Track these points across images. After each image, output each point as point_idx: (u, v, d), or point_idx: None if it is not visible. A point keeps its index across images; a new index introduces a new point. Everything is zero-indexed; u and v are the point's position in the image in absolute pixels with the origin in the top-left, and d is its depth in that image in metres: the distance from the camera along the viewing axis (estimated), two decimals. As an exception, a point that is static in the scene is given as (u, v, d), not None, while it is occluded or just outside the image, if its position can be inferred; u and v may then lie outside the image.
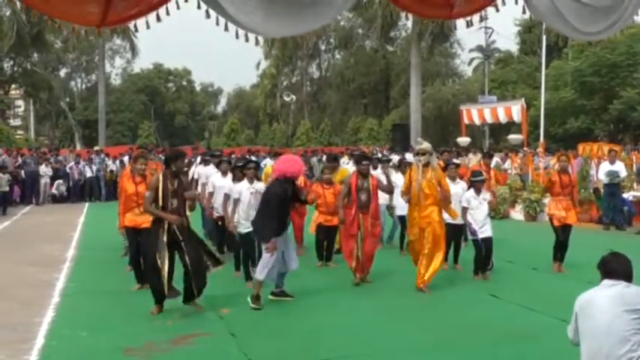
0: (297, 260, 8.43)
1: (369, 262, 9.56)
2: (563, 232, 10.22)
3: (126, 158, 23.29)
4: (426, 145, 9.07)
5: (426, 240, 8.83)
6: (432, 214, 8.88)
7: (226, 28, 6.59)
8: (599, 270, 4.79)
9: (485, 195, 9.85)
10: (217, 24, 6.53)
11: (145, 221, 8.85)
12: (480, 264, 9.70)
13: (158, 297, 7.78)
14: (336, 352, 6.48)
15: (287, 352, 6.52)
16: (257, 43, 7.05)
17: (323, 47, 55.13)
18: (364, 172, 9.45)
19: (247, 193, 9.19)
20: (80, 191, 24.79)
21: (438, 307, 8.23)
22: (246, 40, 6.80)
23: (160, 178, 7.72)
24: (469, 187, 9.92)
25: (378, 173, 10.99)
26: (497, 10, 7.47)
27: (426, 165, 8.93)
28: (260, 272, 8.13)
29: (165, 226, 7.59)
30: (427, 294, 8.69)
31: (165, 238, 7.56)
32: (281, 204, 8.05)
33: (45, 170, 24.08)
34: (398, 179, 11.45)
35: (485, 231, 9.61)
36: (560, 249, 10.32)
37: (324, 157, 28.74)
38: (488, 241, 9.65)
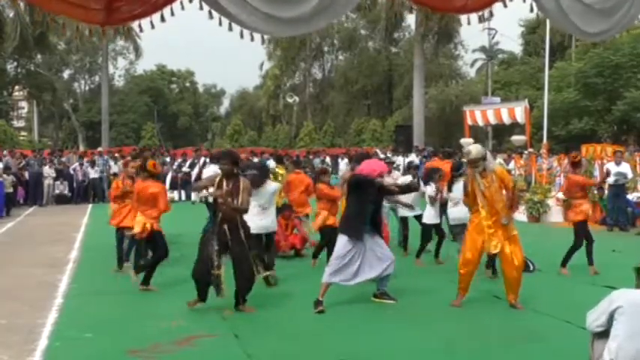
0: (380, 268, 8.23)
1: None
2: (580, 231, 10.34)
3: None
4: (475, 155, 8.05)
5: (509, 263, 8.04)
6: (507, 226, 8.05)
7: (230, 28, 6.58)
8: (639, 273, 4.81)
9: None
10: (220, 24, 6.53)
11: (155, 224, 9.23)
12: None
13: (200, 292, 7.95)
14: (341, 353, 6.47)
15: (291, 354, 6.52)
16: (263, 42, 7.04)
17: (326, 48, 55.20)
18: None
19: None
20: (84, 192, 24.84)
21: (441, 308, 8.21)
22: (252, 39, 6.78)
23: (220, 175, 7.96)
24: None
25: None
26: (506, 6, 7.43)
27: (484, 171, 8.06)
28: (325, 275, 8.12)
29: (216, 227, 7.80)
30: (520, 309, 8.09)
31: (215, 239, 7.75)
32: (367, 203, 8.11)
33: (48, 171, 24.15)
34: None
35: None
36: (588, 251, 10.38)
37: (327, 159, 28.90)
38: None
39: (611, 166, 15.94)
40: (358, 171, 8.41)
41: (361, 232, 8.09)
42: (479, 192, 8.07)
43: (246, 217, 8.85)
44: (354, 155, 12.54)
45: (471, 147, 8.24)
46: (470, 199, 8.30)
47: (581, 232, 10.28)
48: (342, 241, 8.12)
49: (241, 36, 6.70)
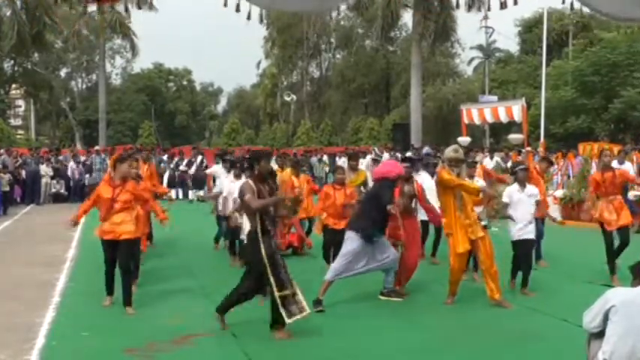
0: (380, 261, 8.26)
1: (410, 274, 8.94)
2: (621, 235, 9.63)
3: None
4: (461, 155, 8.14)
5: (481, 259, 8.11)
6: (476, 225, 8.09)
7: (225, 4, 6.44)
8: (634, 273, 4.82)
9: (532, 190, 8.87)
10: (226, 5, 6.37)
11: (125, 232, 7.92)
12: (515, 269, 8.93)
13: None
14: (338, 353, 6.47)
15: (289, 353, 6.52)
16: (261, 21, 6.91)
17: (323, 47, 55.10)
18: (406, 174, 8.93)
19: None
20: (81, 191, 24.80)
21: (440, 308, 8.21)
22: (248, 17, 6.59)
23: (251, 182, 6.95)
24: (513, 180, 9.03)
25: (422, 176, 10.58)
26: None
27: (459, 174, 8.06)
28: (329, 273, 8.12)
29: (264, 239, 6.83)
30: (507, 307, 8.04)
31: (264, 253, 6.80)
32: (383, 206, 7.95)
33: (45, 170, 24.12)
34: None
35: (525, 233, 8.70)
36: (618, 249, 9.61)
37: (325, 157, 28.89)
38: (526, 244, 8.80)
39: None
40: (375, 173, 8.25)
41: (374, 236, 8.09)
42: (454, 193, 8.03)
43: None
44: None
45: (457, 147, 8.24)
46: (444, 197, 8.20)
47: None
48: (353, 242, 8.09)
49: (237, 9, 6.52)
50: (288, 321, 6.69)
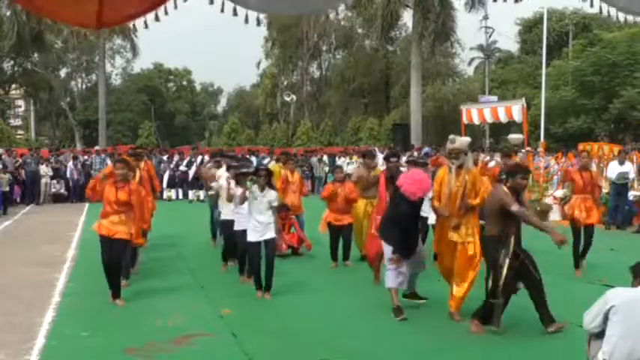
0: (423, 263, 8.14)
1: None
2: (585, 232, 10.14)
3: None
4: (459, 143, 7.62)
5: (456, 259, 7.61)
6: (465, 229, 7.59)
7: (235, 13, 6.42)
8: (634, 273, 4.84)
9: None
10: (222, 10, 6.34)
11: (119, 232, 8.10)
12: None
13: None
14: (338, 353, 6.47)
15: (288, 352, 6.52)
16: (258, 23, 6.85)
17: (324, 47, 55.12)
18: (392, 171, 8.75)
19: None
20: (80, 191, 24.79)
21: (440, 307, 8.20)
22: (258, 24, 6.56)
23: (508, 192, 6.96)
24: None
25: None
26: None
27: (460, 167, 7.61)
28: (388, 280, 7.78)
29: (503, 244, 7.01)
30: (457, 320, 7.61)
31: (502, 257, 6.94)
32: (410, 221, 7.63)
33: (45, 170, 24.13)
34: None
35: None
36: (583, 248, 10.18)
37: (325, 157, 28.89)
38: None
39: (615, 165, 15.97)
40: (400, 186, 7.59)
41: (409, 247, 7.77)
42: (446, 189, 7.60)
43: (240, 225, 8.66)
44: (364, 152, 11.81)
45: (457, 137, 7.81)
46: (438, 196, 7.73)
47: None
48: (388, 250, 7.78)
49: (246, 21, 6.49)
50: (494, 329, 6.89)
